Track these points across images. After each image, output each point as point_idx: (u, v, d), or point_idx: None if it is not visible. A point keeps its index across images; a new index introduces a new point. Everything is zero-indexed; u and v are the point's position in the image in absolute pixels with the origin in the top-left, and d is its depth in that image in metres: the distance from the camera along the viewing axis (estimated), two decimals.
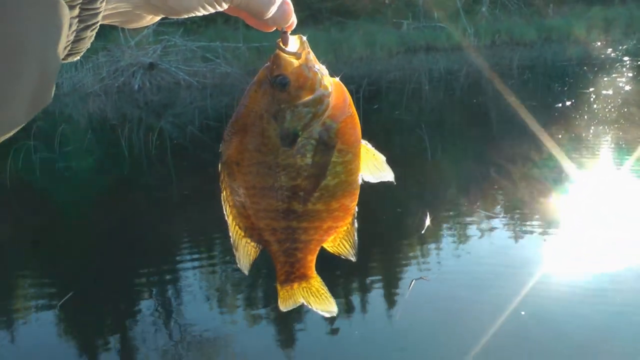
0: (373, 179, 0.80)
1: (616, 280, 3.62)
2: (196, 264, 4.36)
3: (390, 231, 4.77)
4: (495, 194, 5.47)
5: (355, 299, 3.73)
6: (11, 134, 0.48)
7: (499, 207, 5.17)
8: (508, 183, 5.64)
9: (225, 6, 0.64)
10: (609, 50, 16.84)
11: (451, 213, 5.04)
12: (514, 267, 3.89)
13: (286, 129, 0.73)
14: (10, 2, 0.43)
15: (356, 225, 0.82)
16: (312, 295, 0.84)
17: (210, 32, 15.79)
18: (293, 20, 0.71)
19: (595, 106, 9.31)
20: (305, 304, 0.85)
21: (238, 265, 0.81)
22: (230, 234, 0.79)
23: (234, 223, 0.79)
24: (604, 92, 10.48)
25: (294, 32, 0.74)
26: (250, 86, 0.74)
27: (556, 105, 9.26)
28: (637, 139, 6.77)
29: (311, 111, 0.73)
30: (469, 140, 7.79)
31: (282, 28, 0.71)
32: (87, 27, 0.53)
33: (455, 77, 13.44)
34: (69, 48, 0.53)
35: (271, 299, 3.38)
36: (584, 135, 7.39)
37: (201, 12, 0.64)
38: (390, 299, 3.60)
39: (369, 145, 0.79)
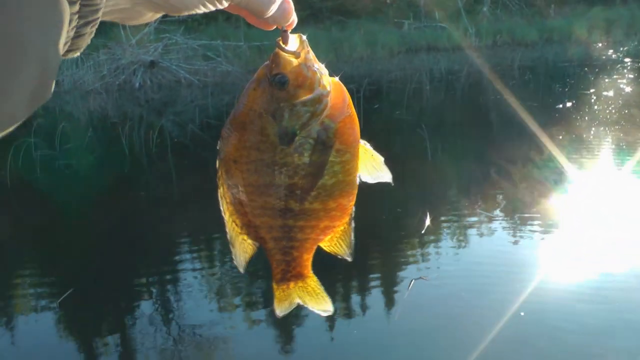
0: (371, 179, 0.80)
1: (616, 281, 3.62)
2: (196, 262, 4.37)
3: (390, 231, 4.77)
4: (496, 194, 5.47)
5: (355, 298, 3.73)
6: (11, 129, 0.48)
7: (499, 207, 5.17)
8: (508, 183, 5.64)
9: (225, 4, 0.64)
10: (610, 51, 16.83)
11: (451, 213, 5.04)
12: (513, 267, 3.89)
13: (284, 127, 0.73)
14: None
15: (353, 225, 0.82)
16: (308, 295, 0.84)
17: (211, 30, 15.78)
18: (293, 18, 0.71)
19: (596, 107, 9.31)
20: (302, 303, 0.84)
21: (234, 262, 0.81)
22: (227, 230, 0.79)
23: (231, 220, 0.79)
24: (604, 93, 10.47)
25: (294, 31, 0.74)
26: (249, 84, 0.74)
27: (557, 106, 9.26)
28: (637, 141, 6.76)
29: (309, 110, 0.73)
30: (469, 140, 7.78)
31: (282, 26, 0.71)
32: (87, 23, 0.53)
33: (456, 78, 13.44)
34: (69, 44, 0.53)
35: (271, 299, 3.37)
36: (584, 136, 7.38)
37: (201, 10, 0.64)
38: (390, 299, 3.60)
39: (368, 146, 0.79)
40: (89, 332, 3.51)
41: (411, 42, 18.45)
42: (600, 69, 13.53)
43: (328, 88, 0.74)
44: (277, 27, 0.72)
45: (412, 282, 3.68)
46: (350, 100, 0.77)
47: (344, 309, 3.53)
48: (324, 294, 0.85)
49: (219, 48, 13.95)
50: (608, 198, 5.01)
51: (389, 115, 9.29)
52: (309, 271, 0.84)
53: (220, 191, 0.77)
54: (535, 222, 4.69)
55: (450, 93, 11.83)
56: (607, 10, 21.38)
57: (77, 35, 0.53)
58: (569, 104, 9.45)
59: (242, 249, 0.81)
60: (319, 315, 0.87)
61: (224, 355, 3.23)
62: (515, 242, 4.37)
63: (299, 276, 0.84)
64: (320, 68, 0.74)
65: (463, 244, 4.44)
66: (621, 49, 16.88)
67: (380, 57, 16.92)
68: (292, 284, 0.84)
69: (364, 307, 3.56)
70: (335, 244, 0.83)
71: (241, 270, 0.81)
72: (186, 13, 0.63)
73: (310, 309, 0.85)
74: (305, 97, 0.73)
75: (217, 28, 15.97)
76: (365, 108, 8.82)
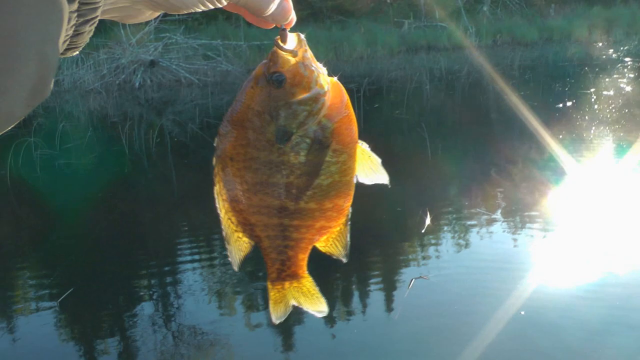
0: (368, 180, 0.80)
1: (617, 281, 3.62)
2: (196, 261, 4.37)
3: (390, 230, 4.77)
4: (496, 193, 5.47)
5: (355, 297, 3.73)
6: (10, 127, 0.48)
7: (499, 206, 5.17)
8: (508, 183, 5.64)
9: (224, 3, 0.64)
10: (610, 50, 16.83)
11: (451, 212, 5.04)
12: (514, 266, 3.89)
13: (281, 126, 0.73)
14: None
15: (349, 226, 0.82)
16: (304, 295, 0.84)
17: (211, 29, 15.78)
18: (292, 17, 0.71)
19: (596, 107, 9.31)
20: (297, 304, 0.84)
21: (229, 260, 0.80)
22: (223, 227, 0.79)
23: (227, 217, 0.79)
24: (605, 92, 10.47)
25: (294, 30, 0.74)
26: (247, 82, 0.75)
27: (557, 106, 9.26)
28: (638, 140, 6.76)
29: (306, 109, 0.73)
30: (469, 139, 7.78)
31: (281, 25, 0.71)
32: (86, 21, 0.53)
33: (456, 77, 13.43)
34: (67, 42, 0.53)
35: None
36: (584, 135, 7.38)
37: (201, 9, 0.64)
38: (390, 298, 3.60)
39: (366, 147, 0.78)
40: (89, 332, 3.51)
41: (411, 41, 18.45)
42: (600, 68, 13.53)
43: (325, 87, 0.74)
44: (276, 26, 0.72)
45: (413, 281, 3.68)
46: (349, 101, 0.76)
47: (344, 308, 3.53)
48: (319, 295, 0.85)
49: (219, 47, 13.95)
50: (608, 197, 5.01)
51: (389, 115, 9.29)
52: (304, 271, 0.84)
53: (217, 188, 0.77)
54: (536, 222, 4.69)
55: (450, 92, 11.83)
56: (607, 9, 21.38)
57: (76, 34, 0.53)
58: (569, 104, 9.45)
59: (238, 247, 0.80)
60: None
61: (224, 355, 3.23)
62: (516, 242, 4.37)
63: (294, 276, 0.83)
64: (318, 67, 0.74)
65: (463, 243, 4.44)
66: (621, 48, 16.88)
67: (380, 56, 16.92)
68: (287, 284, 0.83)
69: (364, 306, 3.57)
70: (331, 245, 0.83)
71: (235, 268, 0.81)
72: (185, 11, 0.63)
73: (305, 309, 0.84)
74: (302, 96, 0.73)
75: (217, 27, 15.97)
76: (365, 107, 8.82)
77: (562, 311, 3.31)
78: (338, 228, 0.82)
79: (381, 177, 0.79)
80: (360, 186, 0.80)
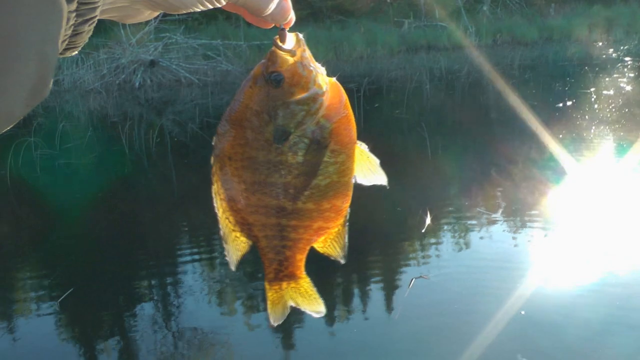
0: (366, 181, 0.79)
1: (617, 281, 3.62)
2: (196, 261, 4.37)
3: (390, 230, 4.77)
4: (496, 193, 5.47)
5: (355, 297, 3.73)
6: (9, 127, 0.48)
7: (499, 206, 5.17)
8: (508, 182, 5.64)
9: (223, 2, 0.64)
10: (611, 50, 16.82)
11: (452, 212, 5.04)
12: (514, 266, 3.89)
13: (279, 125, 0.73)
14: None
15: (347, 227, 0.81)
16: (301, 296, 0.84)
17: (211, 29, 15.78)
18: (291, 17, 0.71)
19: (596, 106, 9.31)
20: (294, 305, 0.84)
21: (227, 259, 0.80)
22: (220, 227, 0.79)
23: (224, 217, 0.79)
24: (605, 92, 10.47)
25: (294, 29, 0.74)
26: (245, 81, 0.75)
27: (557, 105, 9.26)
28: (638, 139, 6.76)
29: (304, 109, 0.73)
30: (469, 139, 7.78)
31: (280, 25, 0.71)
32: (85, 21, 0.53)
33: (456, 77, 13.43)
34: (66, 42, 0.53)
35: None
36: (584, 135, 7.38)
37: (200, 8, 0.64)
38: (390, 298, 3.60)
39: (364, 148, 0.78)
40: (89, 332, 3.51)
41: (411, 41, 18.44)
42: (600, 67, 13.53)
43: (324, 87, 0.74)
44: (275, 26, 0.72)
45: (413, 281, 3.68)
46: (347, 101, 0.76)
47: (344, 308, 3.53)
48: (317, 295, 0.84)
49: (219, 47, 13.95)
50: (609, 197, 5.01)
51: (389, 115, 9.29)
52: (302, 272, 0.84)
53: (215, 187, 0.77)
54: (536, 221, 4.69)
55: (450, 92, 11.83)
56: (607, 8, 21.37)
57: (75, 34, 0.53)
58: (569, 103, 9.45)
59: (235, 246, 0.80)
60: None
61: (224, 355, 3.23)
62: (516, 241, 4.37)
63: (292, 276, 0.83)
64: (317, 67, 0.74)
65: (463, 242, 4.44)
66: (621, 47, 16.87)
67: (380, 56, 16.92)
68: (284, 285, 0.83)
69: (364, 306, 3.57)
70: (329, 246, 0.83)
71: (233, 267, 0.81)
72: (184, 11, 0.63)
73: (303, 310, 0.84)
74: (300, 95, 0.73)
75: (217, 27, 15.97)
76: (365, 107, 8.82)
77: (562, 311, 3.31)
78: (336, 229, 0.81)
79: (379, 178, 0.79)
80: (360, 186, 0.80)
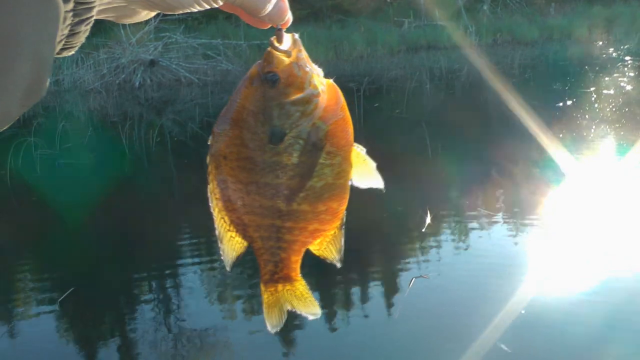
0: (362, 185, 0.79)
1: (617, 280, 3.62)
2: (196, 260, 4.37)
3: (390, 229, 4.77)
4: (496, 192, 5.47)
5: (355, 296, 3.73)
6: (5, 127, 0.48)
7: (499, 205, 5.17)
8: (509, 182, 5.64)
9: (220, 3, 0.64)
10: (611, 49, 16.82)
11: (452, 211, 5.04)
12: (514, 265, 3.89)
13: (274, 126, 0.73)
14: None
15: (344, 230, 0.81)
16: (297, 299, 0.83)
17: (211, 29, 15.78)
18: (289, 17, 0.71)
19: (596, 106, 9.30)
20: (290, 308, 0.83)
21: (222, 259, 0.80)
22: (216, 226, 0.79)
23: (220, 216, 0.78)
24: (605, 91, 10.47)
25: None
26: (242, 81, 0.75)
27: (557, 105, 9.25)
28: (638, 139, 6.76)
29: (299, 110, 0.73)
30: (469, 139, 7.78)
31: (277, 25, 0.71)
32: (82, 21, 0.53)
33: (456, 76, 13.43)
34: (63, 42, 0.53)
35: None
36: (585, 134, 7.38)
37: (196, 8, 0.64)
38: (390, 297, 3.60)
39: (361, 150, 0.78)
40: (90, 331, 3.51)
41: (411, 40, 18.44)
42: (600, 67, 13.52)
43: (319, 88, 0.74)
44: (272, 26, 0.72)
45: (413, 281, 3.68)
46: (345, 103, 0.76)
47: (344, 308, 3.53)
48: (312, 298, 0.84)
49: (219, 47, 13.95)
50: (609, 196, 5.00)
51: (389, 114, 9.28)
52: (297, 274, 0.83)
53: (210, 187, 0.77)
54: (536, 221, 4.69)
55: (450, 92, 11.83)
56: (607, 8, 21.36)
57: (72, 34, 0.53)
58: (569, 103, 9.45)
59: (231, 246, 0.80)
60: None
61: (225, 355, 3.23)
62: (516, 241, 4.37)
63: (287, 279, 0.82)
64: (313, 68, 0.74)
65: (463, 242, 4.44)
66: (622, 47, 16.86)
67: (380, 55, 16.92)
68: (280, 287, 0.83)
69: (364, 305, 3.56)
70: (325, 248, 0.82)
71: (228, 268, 0.81)
72: (181, 11, 0.63)
73: (299, 313, 0.84)
74: (296, 96, 0.73)
75: (217, 27, 15.97)
76: (365, 107, 8.81)
77: (562, 310, 3.31)
78: (332, 232, 0.81)
79: (376, 181, 0.79)
80: (358, 187, 0.80)
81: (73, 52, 0.56)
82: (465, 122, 8.89)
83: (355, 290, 3.82)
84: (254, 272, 3.89)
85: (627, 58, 14.81)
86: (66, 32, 0.52)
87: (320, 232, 0.80)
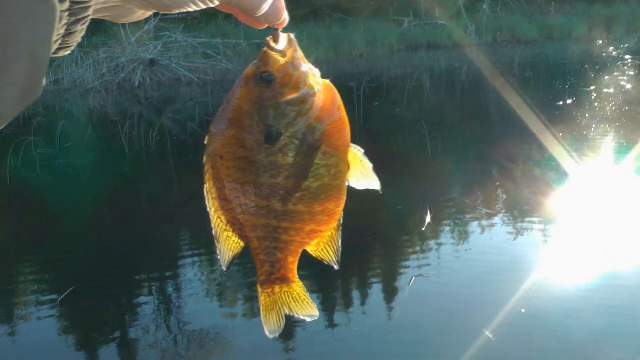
0: (359, 185, 0.79)
1: (617, 278, 3.62)
2: (196, 259, 4.37)
3: (390, 228, 4.77)
4: (496, 191, 5.47)
5: (355, 295, 3.73)
6: (2, 127, 0.48)
7: (499, 204, 5.17)
8: (508, 180, 5.64)
9: (216, 3, 0.64)
10: (611, 48, 16.81)
11: (452, 210, 5.04)
12: (514, 264, 3.89)
13: (269, 126, 0.73)
14: None
15: (341, 231, 0.81)
16: (294, 301, 0.83)
17: (211, 28, 15.78)
18: (285, 17, 0.71)
19: (596, 104, 9.30)
20: (288, 311, 0.83)
21: (219, 259, 0.80)
22: (212, 226, 0.79)
23: (216, 216, 0.78)
24: (605, 90, 10.46)
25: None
26: (238, 81, 0.75)
27: (557, 104, 9.25)
28: (638, 138, 6.76)
29: (295, 110, 0.73)
30: (469, 137, 7.78)
31: (273, 25, 0.71)
32: (78, 20, 0.53)
33: (456, 75, 13.43)
34: (59, 42, 0.53)
35: None
36: (585, 133, 7.38)
37: (192, 8, 0.64)
38: (390, 296, 3.60)
39: (358, 151, 0.78)
40: (90, 330, 3.52)
41: (411, 39, 18.44)
42: (600, 66, 13.52)
43: (315, 88, 0.74)
44: (269, 26, 0.71)
45: (413, 279, 3.68)
46: (342, 104, 0.76)
47: (344, 306, 3.53)
48: (310, 300, 0.83)
49: (219, 46, 13.94)
50: (609, 195, 5.00)
51: (389, 113, 9.28)
52: (294, 275, 0.83)
53: (207, 186, 0.77)
54: (536, 219, 4.69)
55: (450, 90, 11.83)
56: (607, 7, 21.36)
57: (68, 33, 0.53)
58: (569, 102, 9.44)
59: (227, 246, 0.80)
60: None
61: (225, 352, 3.23)
62: (516, 239, 4.37)
63: (284, 280, 0.82)
64: (310, 68, 0.74)
65: (463, 241, 4.44)
66: (622, 46, 16.86)
67: (380, 54, 16.91)
68: (277, 288, 0.82)
69: (364, 304, 3.57)
70: (322, 250, 0.82)
71: (224, 267, 0.80)
72: (177, 11, 0.63)
73: (297, 316, 0.83)
74: (291, 96, 0.73)
75: (217, 26, 15.97)
76: (366, 106, 8.81)
77: (563, 309, 3.30)
78: (329, 233, 0.81)
79: (372, 182, 0.79)
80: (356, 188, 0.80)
81: (69, 52, 0.56)
82: (465, 121, 8.90)
83: (356, 289, 3.82)
84: (254, 272, 3.89)
85: (627, 57, 14.80)
86: (62, 31, 0.52)
87: (317, 232, 0.80)
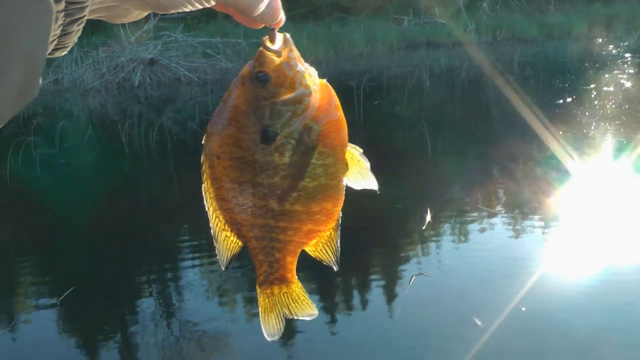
0: (356, 185, 0.79)
1: (617, 277, 3.62)
2: (197, 259, 4.37)
3: (390, 227, 4.77)
4: (496, 190, 5.47)
5: (356, 294, 3.73)
6: None
7: (499, 203, 5.16)
8: (508, 179, 5.64)
9: (212, 3, 0.64)
10: (611, 46, 16.80)
11: (452, 209, 5.04)
12: (514, 263, 3.89)
13: (265, 125, 0.73)
14: None
15: (339, 232, 0.80)
16: (294, 302, 0.83)
17: (210, 27, 15.76)
18: (281, 17, 0.71)
19: (596, 103, 9.30)
20: (287, 313, 0.82)
21: (217, 258, 0.80)
22: (211, 225, 0.79)
23: (215, 215, 0.79)
24: (605, 88, 10.46)
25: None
26: (234, 81, 0.75)
27: (557, 102, 9.25)
28: (638, 136, 6.75)
29: (290, 110, 0.73)
30: (469, 136, 7.77)
31: (270, 25, 0.71)
32: (74, 21, 0.53)
33: (456, 74, 13.42)
34: (55, 42, 0.53)
35: None
36: (585, 131, 7.38)
37: (188, 8, 0.63)
38: (391, 295, 3.60)
39: (356, 151, 0.78)
40: (90, 330, 3.52)
41: (411, 38, 18.42)
42: (600, 64, 13.51)
43: (311, 88, 0.73)
44: (265, 26, 0.71)
45: (413, 278, 3.68)
46: (339, 103, 0.76)
47: (344, 305, 3.53)
48: (309, 300, 0.83)
49: (219, 45, 13.93)
50: (609, 193, 5.00)
51: (389, 112, 9.28)
52: (293, 275, 0.83)
53: (205, 186, 0.78)
54: (536, 218, 4.69)
55: (450, 89, 11.82)
56: (607, 6, 21.34)
57: (64, 34, 0.53)
58: (569, 100, 9.44)
59: (226, 246, 0.80)
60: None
61: (225, 351, 3.23)
62: (516, 238, 4.37)
63: (283, 280, 0.82)
64: (306, 68, 0.74)
65: (464, 239, 4.44)
66: (621, 44, 16.85)
67: (380, 53, 16.90)
68: (276, 289, 0.82)
69: (364, 303, 3.57)
70: (321, 250, 0.82)
71: (223, 267, 0.80)
72: (173, 11, 0.63)
73: (296, 317, 0.83)
74: (286, 96, 0.73)
75: (217, 25, 15.95)
76: (365, 104, 8.81)
77: (563, 307, 3.31)
78: (328, 233, 0.81)
79: (369, 182, 0.79)
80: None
81: (66, 52, 0.56)
82: (465, 119, 8.89)
83: (356, 288, 3.82)
84: (254, 273, 3.89)
85: (627, 55, 14.80)
86: (58, 32, 0.52)
87: (315, 232, 0.80)
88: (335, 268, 0.82)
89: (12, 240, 5.06)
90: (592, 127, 7.61)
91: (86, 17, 0.54)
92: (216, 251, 0.80)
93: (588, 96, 9.79)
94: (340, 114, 0.76)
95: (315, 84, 0.74)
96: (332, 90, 0.76)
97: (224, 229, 0.79)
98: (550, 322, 3.16)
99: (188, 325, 3.42)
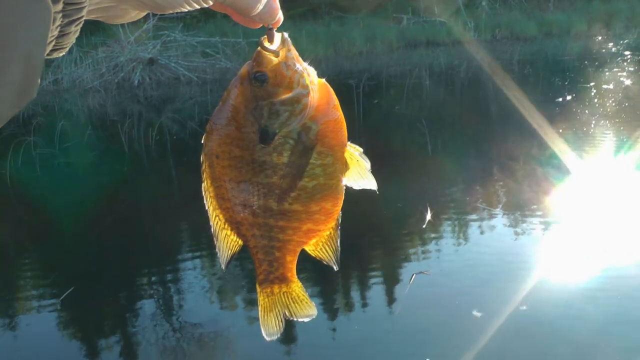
0: (355, 185, 0.79)
1: (618, 276, 3.62)
2: (197, 259, 4.37)
3: (390, 226, 4.77)
4: (496, 188, 5.47)
5: (356, 293, 3.73)
6: None
7: (499, 201, 5.16)
8: (509, 177, 5.63)
9: (210, 3, 0.64)
10: (610, 44, 16.79)
11: (452, 208, 5.04)
12: (515, 261, 3.89)
13: (263, 125, 0.74)
14: None
15: (339, 231, 0.80)
16: (293, 302, 0.83)
17: (210, 27, 15.75)
18: (280, 17, 0.71)
19: (596, 100, 9.30)
20: (287, 314, 0.82)
21: (218, 256, 0.80)
22: (211, 224, 0.79)
23: (215, 214, 0.79)
24: (604, 86, 10.45)
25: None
26: (232, 81, 0.75)
27: (557, 100, 9.24)
28: (638, 133, 6.75)
29: (288, 109, 0.73)
30: (469, 135, 7.77)
31: (268, 25, 0.71)
32: (72, 21, 0.52)
33: (455, 72, 13.42)
34: (53, 43, 0.53)
35: None
36: (584, 129, 7.38)
37: (186, 8, 0.63)
38: (391, 293, 3.60)
39: (355, 151, 0.78)
40: (91, 330, 3.52)
41: (410, 37, 18.41)
42: (600, 62, 13.50)
43: (309, 88, 0.74)
44: (263, 26, 0.71)
45: (413, 277, 3.68)
46: (337, 103, 0.76)
47: (345, 304, 3.54)
48: (309, 300, 0.83)
49: (218, 45, 13.92)
50: (609, 191, 5.00)
51: (389, 111, 9.27)
52: (293, 275, 0.83)
53: (204, 185, 0.78)
54: (536, 216, 4.69)
55: (449, 88, 11.81)
56: (606, 3, 21.34)
57: (62, 34, 0.53)
58: (568, 98, 9.44)
59: (226, 244, 0.80)
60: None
61: (225, 351, 3.23)
62: (516, 237, 4.37)
63: (283, 279, 0.82)
64: (305, 68, 0.74)
65: (464, 238, 4.44)
66: (621, 42, 16.84)
67: (379, 52, 16.89)
68: (276, 288, 0.82)
69: (365, 302, 3.57)
70: (321, 249, 0.82)
71: (223, 266, 0.81)
72: (170, 11, 0.62)
73: (296, 317, 0.83)
74: (284, 96, 0.73)
75: (216, 25, 15.94)
76: (365, 103, 8.80)
77: (563, 306, 3.31)
78: (327, 232, 0.81)
79: (368, 182, 0.79)
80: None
81: (64, 53, 0.56)
82: (464, 118, 8.89)
83: (356, 287, 3.82)
84: (254, 269, 3.89)
85: (627, 53, 14.79)
86: (56, 33, 0.52)
87: (314, 232, 0.80)
88: (335, 267, 0.82)
89: (12, 240, 5.06)
90: (592, 125, 7.61)
91: (84, 18, 0.54)
92: (216, 250, 0.80)
93: (587, 94, 9.79)
94: (339, 113, 0.76)
95: (313, 83, 0.74)
96: (331, 90, 0.76)
97: (224, 228, 0.79)
98: (551, 321, 3.16)
99: (188, 325, 3.42)
